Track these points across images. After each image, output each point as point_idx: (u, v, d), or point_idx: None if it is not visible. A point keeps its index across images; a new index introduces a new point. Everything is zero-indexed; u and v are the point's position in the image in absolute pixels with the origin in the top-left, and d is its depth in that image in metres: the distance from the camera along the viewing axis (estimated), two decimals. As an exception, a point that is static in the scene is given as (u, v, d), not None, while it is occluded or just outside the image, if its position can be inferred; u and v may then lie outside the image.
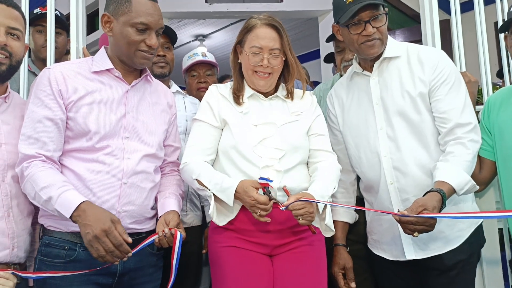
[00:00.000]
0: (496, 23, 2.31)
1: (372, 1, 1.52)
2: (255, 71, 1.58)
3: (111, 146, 1.42)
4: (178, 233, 1.39)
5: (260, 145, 1.54)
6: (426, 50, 1.65)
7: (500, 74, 3.12)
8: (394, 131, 1.59)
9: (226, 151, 1.56)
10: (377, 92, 1.63)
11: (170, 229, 1.40)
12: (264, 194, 1.42)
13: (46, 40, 2.21)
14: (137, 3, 1.43)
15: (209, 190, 1.48)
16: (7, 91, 1.45)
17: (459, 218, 1.55)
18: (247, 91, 1.63)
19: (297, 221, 1.42)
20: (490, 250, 1.99)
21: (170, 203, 1.52)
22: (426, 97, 1.56)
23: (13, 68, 1.40)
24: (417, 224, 1.36)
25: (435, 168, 1.50)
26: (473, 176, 1.52)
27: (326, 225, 1.49)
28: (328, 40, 2.16)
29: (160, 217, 1.49)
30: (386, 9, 1.58)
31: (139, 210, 1.46)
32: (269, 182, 1.43)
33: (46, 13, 2.23)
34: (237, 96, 1.62)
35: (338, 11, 1.60)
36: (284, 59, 1.60)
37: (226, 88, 1.67)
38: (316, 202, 1.45)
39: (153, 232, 1.52)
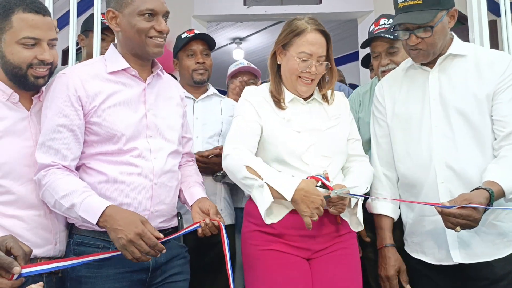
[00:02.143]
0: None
1: (418, 22, 1.48)
2: (299, 76, 1.56)
3: (138, 148, 1.42)
4: (222, 225, 1.39)
5: (307, 153, 1.52)
6: (497, 52, 1.63)
7: None
8: (452, 130, 1.53)
9: (272, 161, 1.53)
10: (436, 88, 1.58)
11: (211, 219, 1.40)
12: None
13: (106, 49, 2.28)
14: None
15: (262, 179, 1.40)
16: (40, 89, 1.46)
17: (503, 208, 1.47)
18: (288, 95, 1.60)
19: (328, 209, 1.42)
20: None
21: (197, 191, 1.52)
22: (490, 99, 1.52)
23: (52, 74, 1.42)
24: (460, 218, 1.31)
25: (485, 170, 1.45)
26: None
27: (358, 219, 1.49)
28: (363, 46, 2.11)
29: (191, 206, 1.49)
30: (442, 14, 1.50)
31: (168, 209, 1.47)
32: (328, 183, 1.42)
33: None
34: (277, 99, 1.59)
35: (394, 9, 1.58)
36: (329, 67, 1.58)
37: (265, 90, 1.64)
38: (360, 197, 1.44)
39: (176, 229, 1.54)
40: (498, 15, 2.16)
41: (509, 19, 2.09)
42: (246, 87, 1.68)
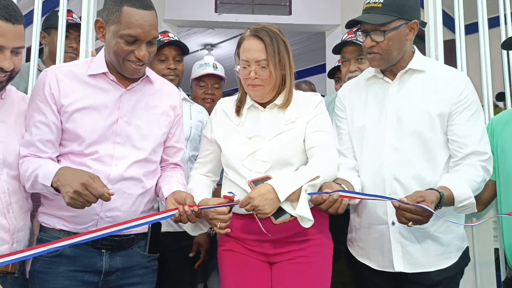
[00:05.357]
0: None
1: (369, 22, 1.50)
2: (248, 84, 1.57)
3: (99, 152, 1.42)
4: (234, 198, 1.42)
5: (250, 158, 1.54)
6: (454, 71, 1.64)
7: (499, 97, 3.12)
8: (402, 143, 1.56)
9: (225, 166, 1.60)
10: (394, 101, 1.59)
11: (190, 206, 1.38)
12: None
13: (70, 46, 2.25)
14: (127, 13, 1.37)
15: None
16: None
17: (452, 222, 1.51)
18: (248, 102, 1.62)
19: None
20: (486, 270, 1.99)
21: (175, 187, 1.50)
22: (445, 118, 1.54)
23: (12, 79, 1.39)
24: (414, 213, 1.37)
25: (440, 179, 1.50)
26: (476, 196, 1.51)
27: (301, 216, 1.36)
28: (335, 51, 2.17)
29: (166, 198, 1.46)
30: (400, 23, 1.51)
31: (125, 216, 1.44)
32: (231, 195, 1.44)
33: (75, 23, 2.29)
34: (238, 107, 1.63)
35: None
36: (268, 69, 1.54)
37: (230, 101, 1.67)
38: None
39: (144, 234, 1.52)
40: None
41: (463, 39, 2.20)
42: (218, 101, 1.70)
